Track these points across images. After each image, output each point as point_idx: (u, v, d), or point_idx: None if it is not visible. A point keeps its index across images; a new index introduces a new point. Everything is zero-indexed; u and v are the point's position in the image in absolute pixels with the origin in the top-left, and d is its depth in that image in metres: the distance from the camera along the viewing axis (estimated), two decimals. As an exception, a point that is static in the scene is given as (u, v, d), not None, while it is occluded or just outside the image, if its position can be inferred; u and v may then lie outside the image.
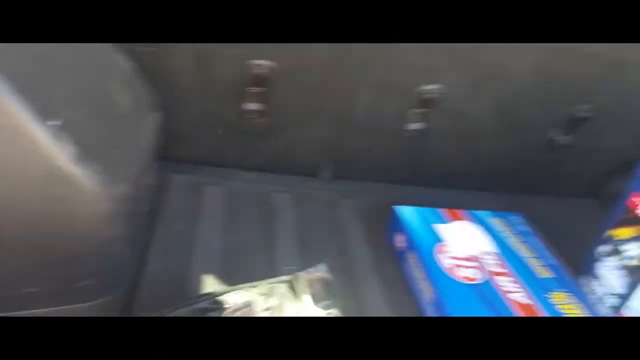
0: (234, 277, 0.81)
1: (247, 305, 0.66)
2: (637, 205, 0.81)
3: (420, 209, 0.99)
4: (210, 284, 0.81)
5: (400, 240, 0.95)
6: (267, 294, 0.74)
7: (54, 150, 0.63)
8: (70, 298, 0.73)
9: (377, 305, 0.85)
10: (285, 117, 1.02)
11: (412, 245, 0.91)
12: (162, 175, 0.99)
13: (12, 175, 0.63)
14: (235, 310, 0.65)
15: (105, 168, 0.68)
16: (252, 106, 1.00)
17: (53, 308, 0.73)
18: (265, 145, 1.06)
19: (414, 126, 1.05)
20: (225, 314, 0.64)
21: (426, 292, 0.85)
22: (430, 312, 0.83)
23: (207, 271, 0.83)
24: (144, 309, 0.75)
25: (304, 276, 0.77)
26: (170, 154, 1.02)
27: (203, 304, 0.73)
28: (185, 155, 1.05)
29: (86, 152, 0.65)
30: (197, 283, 0.81)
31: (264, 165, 1.08)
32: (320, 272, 0.77)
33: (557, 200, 1.19)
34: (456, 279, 0.84)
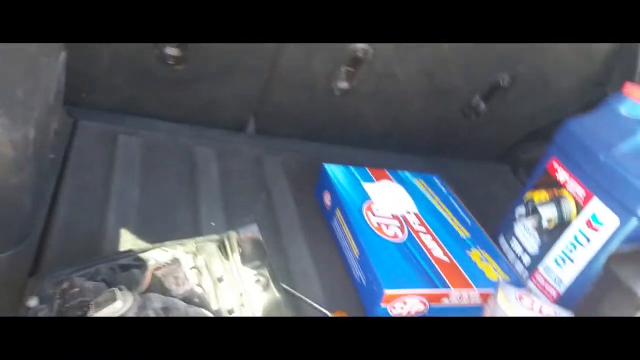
0: (154, 234, 0.76)
1: (175, 262, 0.61)
2: (556, 169, 0.85)
3: (348, 167, 0.98)
4: (128, 240, 0.75)
5: (328, 198, 0.94)
6: (194, 252, 0.70)
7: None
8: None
9: (304, 262, 0.83)
10: (206, 65, 0.95)
11: (339, 203, 0.90)
12: (71, 122, 0.90)
13: None
14: (159, 268, 0.60)
15: (4, 110, 0.59)
16: (171, 51, 0.92)
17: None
18: (185, 96, 0.99)
19: (341, 85, 1.03)
20: (149, 271, 0.60)
21: (353, 250, 0.85)
22: (356, 269, 0.83)
23: (125, 225, 0.77)
24: (54, 263, 0.68)
25: (234, 235, 0.73)
26: (81, 98, 0.92)
27: (125, 260, 0.68)
28: (97, 101, 0.95)
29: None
30: (114, 238, 0.74)
31: (184, 116, 1.01)
32: (250, 231, 0.73)
33: (473, 164, 1.24)
34: (382, 237, 0.85)
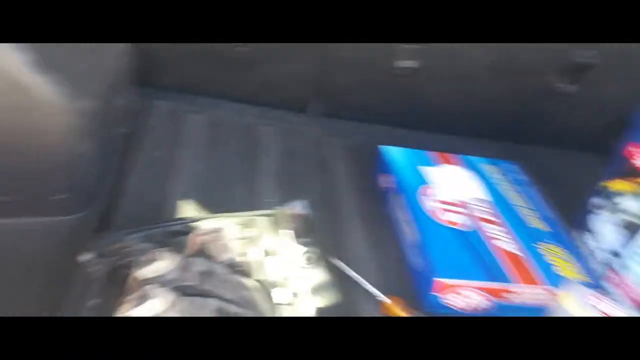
0: (212, 206, 0.78)
1: (218, 230, 0.63)
2: (634, 155, 0.77)
3: (408, 150, 0.95)
4: (187, 210, 0.78)
5: (385, 181, 0.92)
6: (245, 225, 0.72)
7: (10, 58, 0.59)
8: (44, 210, 0.70)
9: (358, 244, 0.82)
10: (269, 46, 0.96)
11: (397, 186, 0.88)
12: (144, 101, 0.95)
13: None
14: (203, 235, 0.62)
15: (67, 80, 0.64)
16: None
17: (27, 218, 0.70)
18: (250, 76, 1.01)
19: (405, 64, 1.00)
20: (194, 237, 0.62)
21: (409, 234, 0.82)
22: (413, 254, 0.80)
23: (185, 197, 0.80)
24: (118, 227, 0.73)
25: (285, 211, 0.74)
26: (153, 80, 0.97)
27: (177, 227, 0.71)
28: (168, 83, 1.00)
29: (45, 62, 0.61)
30: (174, 208, 0.78)
31: (249, 96, 1.03)
32: (301, 208, 0.74)
33: (555, 152, 1.15)
34: (439, 222, 0.81)
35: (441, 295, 0.74)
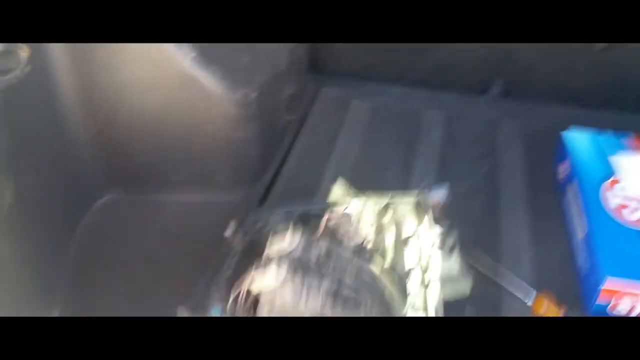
0: (362, 190, 0.79)
1: (345, 216, 0.64)
2: None
3: (598, 135, 0.81)
4: (337, 195, 0.81)
5: (563, 169, 0.80)
6: (385, 209, 0.71)
7: (181, 55, 0.69)
8: (211, 189, 0.81)
9: (519, 237, 0.74)
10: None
11: (574, 176, 0.76)
12: (314, 88, 1.00)
13: (152, 84, 0.71)
14: (335, 217, 0.63)
15: (227, 73, 0.71)
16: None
17: (200, 194, 0.82)
18: (420, 61, 0.98)
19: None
20: (323, 222, 0.63)
21: (580, 230, 0.71)
22: (581, 253, 0.69)
23: (337, 180, 0.83)
24: (267, 206, 0.79)
25: (426, 198, 0.71)
26: (324, 67, 1.02)
27: (316, 209, 0.73)
28: (338, 69, 1.03)
29: (208, 58, 0.69)
30: (325, 192, 0.81)
31: (418, 81, 1.00)
32: (440, 196, 0.69)
33: None
34: (620, 221, 0.68)
35: (610, 301, 0.63)
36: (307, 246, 0.60)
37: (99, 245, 0.73)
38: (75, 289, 0.67)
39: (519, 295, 0.68)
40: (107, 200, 0.80)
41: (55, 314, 0.63)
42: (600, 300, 0.63)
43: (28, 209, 0.63)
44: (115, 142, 0.77)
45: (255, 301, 0.56)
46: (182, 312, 0.55)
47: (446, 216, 0.69)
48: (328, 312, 0.53)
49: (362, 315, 0.54)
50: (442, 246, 0.67)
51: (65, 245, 0.70)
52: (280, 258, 0.58)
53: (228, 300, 0.56)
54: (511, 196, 0.80)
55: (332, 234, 0.65)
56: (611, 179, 0.73)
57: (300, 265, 0.58)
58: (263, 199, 0.80)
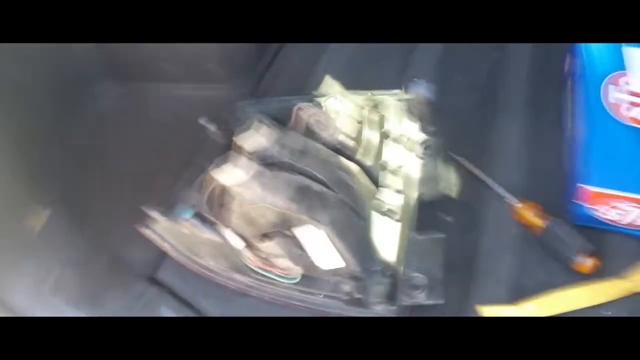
0: (354, 83, 0.77)
1: (318, 106, 0.63)
2: None
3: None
4: (328, 85, 0.79)
5: (568, 62, 0.76)
6: (366, 105, 0.69)
7: None
8: (202, 78, 0.81)
9: (510, 139, 0.73)
10: None
11: (576, 69, 0.72)
12: None
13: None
14: (303, 109, 0.63)
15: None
16: None
17: (192, 86, 0.82)
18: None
19: None
20: (294, 112, 0.63)
21: (572, 130, 0.69)
22: (577, 155, 0.67)
23: (330, 72, 0.81)
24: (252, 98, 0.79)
25: (412, 94, 0.68)
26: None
27: (297, 101, 0.73)
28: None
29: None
30: (317, 82, 0.79)
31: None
32: (426, 93, 0.67)
33: None
34: (619, 119, 0.65)
35: (588, 205, 0.62)
36: (282, 141, 0.60)
37: (93, 134, 0.75)
38: (72, 176, 0.71)
39: (505, 196, 0.68)
40: (100, 90, 0.81)
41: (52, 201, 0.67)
42: (585, 202, 0.62)
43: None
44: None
45: (226, 195, 0.58)
46: (153, 213, 0.58)
47: (433, 114, 0.67)
48: (294, 208, 0.54)
49: (328, 212, 0.55)
50: (425, 145, 0.66)
51: (58, 134, 0.72)
52: (255, 152, 0.59)
53: (203, 195, 0.58)
54: (511, 93, 0.77)
55: (311, 129, 0.65)
56: (618, 74, 0.69)
57: (273, 162, 0.59)
58: (253, 93, 0.80)
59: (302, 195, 0.55)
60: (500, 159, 0.71)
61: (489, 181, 0.69)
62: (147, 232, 0.60)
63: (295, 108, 0.62)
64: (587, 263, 0.61)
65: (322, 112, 0.61)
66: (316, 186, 0.57)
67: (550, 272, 0.63)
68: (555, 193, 0.68)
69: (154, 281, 0.66)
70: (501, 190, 0.68)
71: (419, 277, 0.55)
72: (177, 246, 0.62)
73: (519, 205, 0.66)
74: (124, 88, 0.80)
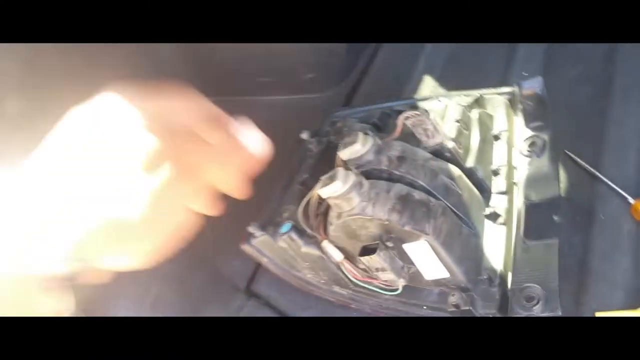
0: (457, 82, 0.73)
1: (423, 113, 0.59)
2: None
3: None
4: (429, 86, 0.76)
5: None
6: (470, 105, 0.65)
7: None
8: (299, 89, 0.80)
9: (626, 131, 0.66)
10: None
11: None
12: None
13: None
14: (408, 118, 0.59)
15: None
16: None
17: (285, 97, 0.81)
18: None
19: None
20: (400, 120, 0.60)
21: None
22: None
23: (430, 72, 0.78)
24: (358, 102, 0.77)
25: (518, 90, 0.64)
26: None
27: (401, 107, 0.70)
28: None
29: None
30: (417, 83, 0.76)
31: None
32: (535, 86, 0.62)
33: None
34: None
35: None
36: (380, 148, 0.58)
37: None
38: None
39: (621, 193, 0.62)
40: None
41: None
42: None
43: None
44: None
45: (326, 207, 0.57)
46: (251, 228, 0.57)
47: (543, 109, 0.62)
48: (395, 218, 0.52)
49: (432, 222, 0.52)
50: (533, 144, 0.62)
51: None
52: (351, 161, 0.58)
53: (301, 208, 0.57)
54: (627, 83, 0.70)
55: (410, 134, 0.62)
56: None
57: (373, 170, 0.57)
58: (349, 99, 0.78)
59: (404, 205, 0.53)
60: (615, 153, 0.65)
61: (603, 178, 0.64)
62: (246, 248, 0.60)
63: (400, 117, 0.59)
64: None
65: (429, 119, 0.57)
66: (417, 194, 0.54)
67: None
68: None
69: (252, 294, 0.66)
70: (617, 187, 0.62)
71: (533, 287, 0.51)
72: (276, 260, 0.61)
73: (635, 201, 0.60)
74: (215, 100, 0.81)
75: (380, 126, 0.69)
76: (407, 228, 0.52)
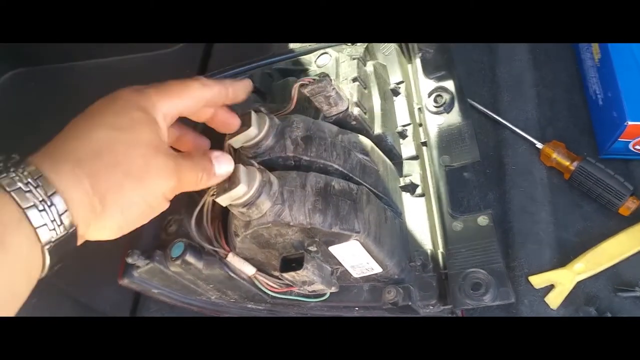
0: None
1: (323, 78, 0.48)
2: None
3: None
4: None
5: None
6: (363, 57, 0.55)
7: None
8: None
9: (524, 72, 0.63)
10: None
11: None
12: None
13: None
14: (305, 85, 0.48)
15: None
16: None
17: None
18: None
19: None
20: (295, 89, 0.48)
21: (594, 54, 0.60)
22: (593, 82, 0.59)
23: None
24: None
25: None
26: None
27: (283, 64, 0.59)
28: None
29: None
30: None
31: None
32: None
33: None
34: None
35: (632, 141, 0.55)
36: (280, 131, 0.46)
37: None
38: None
39: (528, 137, 0.59)
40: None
41: None
42: (622, 139, 0.55)
43: None
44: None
45: (221, 209, 0.44)
46: (135, 259, 0.43)
47: (444, 56, 0.55)
48: (319, 220, 0.42)
49: (360, 216, 0.43)
50: (439, 98, 0.55)
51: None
52: (246, 150, 0.45)
53: (192, 218, 0.44)
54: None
55: (308, 107, 0.51)
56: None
57: (277, 158, 0.45)
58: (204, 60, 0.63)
59: (325, 201, 0.43)
60: (510, 93, 0.62)
61: (509, 124, 0.60)
62: (125, 283, 0.45)
63: (295, 85, 0.47)
64: (630, 205, 0.55)
65: (331, 84, 0.46)
66: (336, 182, 0.45)
67: (587, 218, 0.57)
68: (572, 128, 0.60)
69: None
70: (523, 132, 0.59)
71: (476, 272, 0.46)
72: (169, 289, 0.48)
73: (543, 146, 0.58)
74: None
75: (264, 92, 0.57)
76: (334, 230, 0.42)
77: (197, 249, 0.45)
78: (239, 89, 0.42)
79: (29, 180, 0.31)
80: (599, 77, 0.58)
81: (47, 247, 0.31)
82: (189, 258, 0.44)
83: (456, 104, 0.54)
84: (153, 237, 0.46)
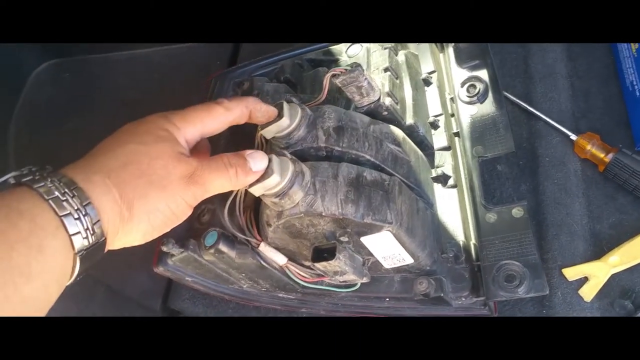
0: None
1: (355, 68, 0.48)
2: None
3: None
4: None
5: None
6: (395, 47, 0.55)
7: None
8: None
9: (558, 64, 0.61)
10: None
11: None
12: None
13: None
14: (337, 75, 0.47)
15: None
16: None
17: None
18: None
19: None
20: (326, 79, 0.48)
21: (632, 44, 0.58)
22: (630, 72, 0.58)
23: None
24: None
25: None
26: None
27: (313, 54, 0.58)
28: None
29: None
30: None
31: None
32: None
33: None
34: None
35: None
36: (312, 121, 0.46)
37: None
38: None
39: (562, 129, 0.58)
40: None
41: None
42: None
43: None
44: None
45: (253, 199, 0.45)
46: (170, 247, 0.44)
47: (479, 45, 0.54)
48: (351, 211, 0.42)
49: (392, 207, 0.43)
50: (472, 88, 0.54)
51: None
52: (277, 140, 0.45)
53: (225, 207, 0.44)
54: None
55: (339, 97, 0.51)
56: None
57: (309, 149, 0.45)
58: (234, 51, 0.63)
59: (358, 192, 0.43)
60: (544, 85, 0.61)
61: (542, 115, 0.59)
62: (160, 271, 0.46)
63: (327, 75, 0.47)
64: (666, 197, 0.54)
65: (363, 74, 0.46)
66: (368, 173, 0.45)
67: (622, 210, 0.56)
68: (607, 120, 0.59)
69: (171, 313, 0.54)
70: (557, 124, 0.58)
71: (511, 265, 0.45)
72: (202, 277, 0.48)
73: (577, 137, 0.57)
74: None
75: (294, 82, 0.57)
76: (366, 220, 0.42)
77: (230, 238, 0.45)
78: (263, 114, 0.43)
79: (65, 190, 0.33)
80: (636, 67, 0.57)
81: (80, 254, 0.33)
82: (222, 247, 0.44)
83: (490, 94, 0.54)
84: (187, 226, 0.47)
